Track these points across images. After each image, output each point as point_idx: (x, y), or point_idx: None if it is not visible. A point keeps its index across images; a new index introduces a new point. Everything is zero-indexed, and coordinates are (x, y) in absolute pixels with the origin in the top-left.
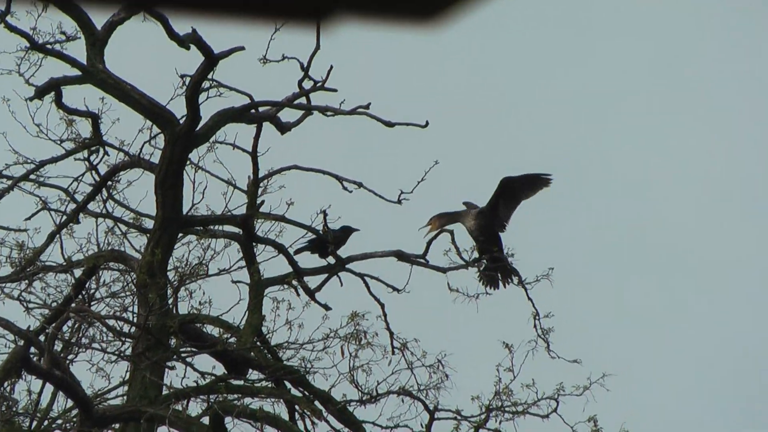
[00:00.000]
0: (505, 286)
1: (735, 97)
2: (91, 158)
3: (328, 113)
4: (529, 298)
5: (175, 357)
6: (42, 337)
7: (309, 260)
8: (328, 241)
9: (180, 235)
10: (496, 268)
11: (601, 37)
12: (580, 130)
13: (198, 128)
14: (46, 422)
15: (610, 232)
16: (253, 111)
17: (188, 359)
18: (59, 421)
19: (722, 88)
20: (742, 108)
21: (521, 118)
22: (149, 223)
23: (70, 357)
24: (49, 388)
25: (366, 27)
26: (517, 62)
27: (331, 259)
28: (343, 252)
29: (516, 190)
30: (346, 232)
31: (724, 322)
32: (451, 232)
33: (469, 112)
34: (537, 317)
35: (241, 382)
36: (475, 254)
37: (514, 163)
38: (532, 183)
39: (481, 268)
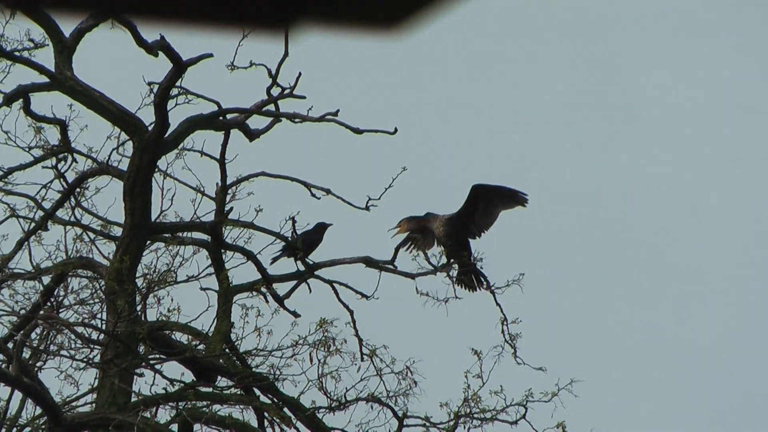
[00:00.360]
0: (475, 290)
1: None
2: (60, 165)
3: (297, 120)
4: (497, 304)
5: (143, 364)
6: (10, 344)
7: (278, 267)
8: (296, 247)
9: (148, 242)
10: (466, 272)
11: (570, 39)
12: (547, 135)
13: (166, 135)
14: (14, 430)
15: (579, 237)
16: (221, 118)
17: (157, 366)
18: (28, 429)
19: (691, 95)
20: (696, 117)
21: (489, 124)
22: (118, 230)
23: (38, 364)
24: (18, 395)
25: (330, 34)
26: (484, 68)
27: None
28: (319, 251)
29: (492, 199)
30: (321, 230)
31: (692, 326)
32: (419, 238)
33: (438, 119)
34: (505, 323)
35: (210, 389)
36: (443, 259)
37: (483, 169)
38: (510, 197)
39: (452, 274)
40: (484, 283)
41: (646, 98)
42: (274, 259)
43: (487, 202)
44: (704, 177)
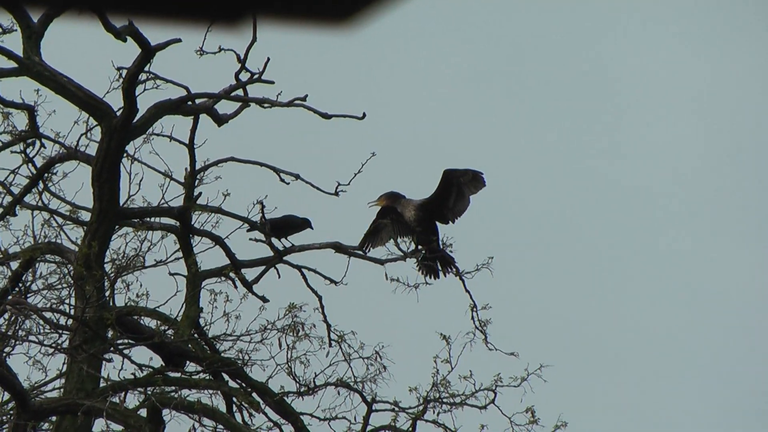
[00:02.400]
0: (445, 275)
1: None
2: (28, 150)
3: (265, 105)
4: (467, 290)
5: (112, 349)
6: None
7: (247, 251)
8: (265, 232)
9: (117, 227)
10: (434, 258)
11: (543, 25)
12: (516, 118)
13: (135, 120)
14: None
15: (545, 222)
16: (189, 103)
17: (125, 351)
18: None
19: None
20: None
21: (459, 108)
22: (86, 215)
23: (6, 350)
24: None
25: (287, 28)
26: (454, 51)
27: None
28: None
29: (461, 184)
30: (304, 224)
31: (663, 310)
32: (390, 223)
33: (406, 103)
34: (474, 309)
35: (179, 375)
36: (413, 246)
37: (451, 154)
38: (474, 180)
39: (419, 259)
40: (453, 269)
41: (622, 84)
42: (250, 229)
43: (458, 187)
44: (677, 161)
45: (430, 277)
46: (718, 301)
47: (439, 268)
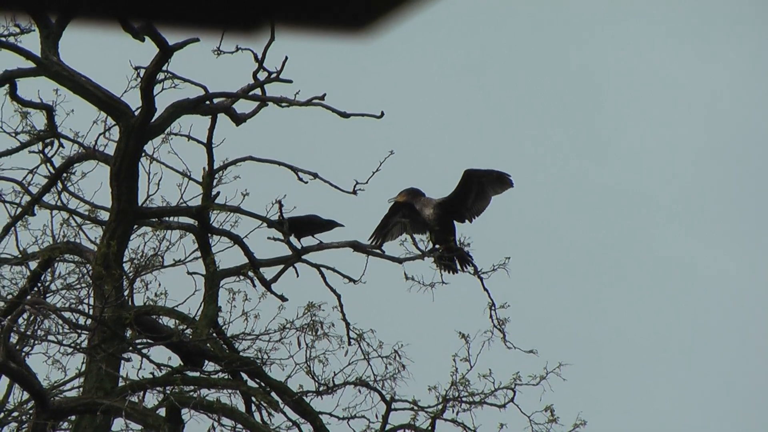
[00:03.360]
0: (463, 270)
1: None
2: (46, 150)
3: (283, 104)
4: (485, 289)
5: (130, 349)
6: None
7: (265, 251)
8: (282, 231)
9: (135, 226)
10: (451, 257)
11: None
12: (535, 119)
13: (153, 120)
14: (1, 414)
15: (566, 221)
16: (207, 103)
17: (144, 351)
18: (15, 414)
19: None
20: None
21: (478, 108)
22: (104, 215)
23: (25, 349)
24: (5, 380)
25: (302, 37)
26: (473, 52)
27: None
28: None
29: (483, 184)
30: (331, 224)
31: (682, 310)
32: (407, 222)
33: (424, 103)
34: (493, 308)
35: (197, 374)
36: (430, 244)
37: (471, 153)
38: (499, 181)
39: (437, 256)
40: (471, 267)
41: (610, 84)
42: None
43: (480, 187)
44: (694, 158)
45: (448, 272)
46: (737, 301)
47: (457, 264)
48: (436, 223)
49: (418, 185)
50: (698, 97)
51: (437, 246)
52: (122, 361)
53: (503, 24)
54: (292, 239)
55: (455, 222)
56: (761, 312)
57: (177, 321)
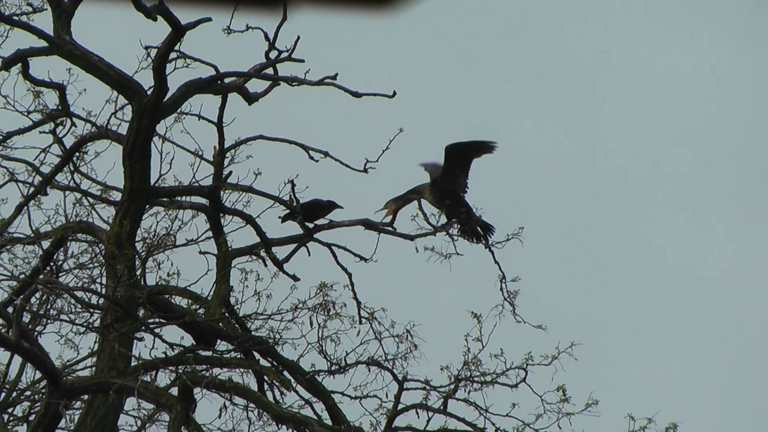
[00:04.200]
0: (484, 240)
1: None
2: (58, 130)
3: (295, 84)
4: (496, 261)
5: (143, 328)
6: (10, 309)
7: (277, 230)
8: (295, 211)
9: (147, 206)
10: (469, 228)
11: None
12: (544, 96)
13: (165, 99)
14: (14, 393)
15: (579, 194)
16: (219, 82)
17: (156, 330)
18: (27, 393)
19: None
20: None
21: (487, 86)
22: (117, 195)
23: (38, 328)
24: (18, 359)
25: (326, 10)
26: (483, 30)
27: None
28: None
29: (463, 153)
30: (330, 207)
31: (696, 290)
32: (418, 199)
33: (436, 80)
34: (504, 280)
35: (210, 353)
36: (443, 219)
37: (477, 130)
38: (478, 148)
39: (452, 232)
40: (486, 237)
41: (636, 63)
42: (284, 219)
43: (463, 157)
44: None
45: (473, 241)
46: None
47: (473, 234)
48: (440, 202)
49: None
50: (687, 83)
51: (451, 220)
52: (135, 341)
53: (501, 12)
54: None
55: (461, 194)
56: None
57: (189, 300)
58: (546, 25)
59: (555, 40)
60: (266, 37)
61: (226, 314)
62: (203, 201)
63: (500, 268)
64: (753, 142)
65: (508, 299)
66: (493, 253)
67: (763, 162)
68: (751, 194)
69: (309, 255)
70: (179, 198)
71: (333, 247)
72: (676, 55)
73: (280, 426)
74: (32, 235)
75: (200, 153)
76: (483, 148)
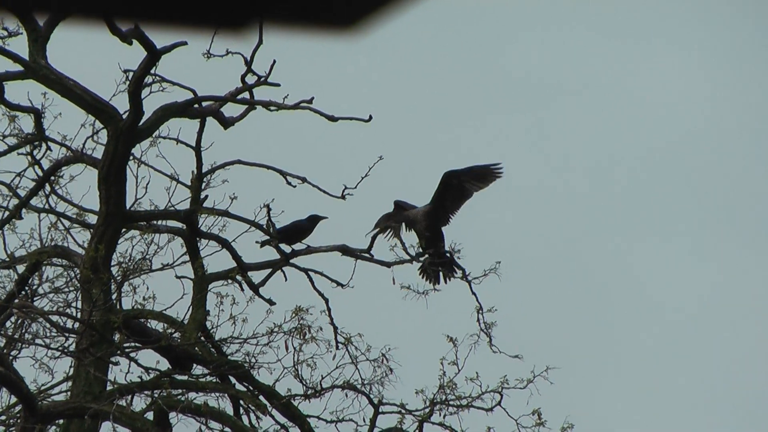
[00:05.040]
0: (446, 282)
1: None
2: (34, 153)
3: (272, 108)
4: (473, 293)
5: (119, 352)
6: None
7: (253, 255)
8: (271, 235)
9: (123, 230)
10: (440, 264)
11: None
12: (523, 121)
13: (141, 123)
14: None
15: (554, 227)
16: (196, 106)
17: (132, 354)
18: (2, 417)
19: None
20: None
21: (465, 111)
22: (92, 219)
23: (13, 353)
24: None
25: (291, 34)
26: (459, 55)
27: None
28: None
29: (463, 183)
30: (313, 221)
31: (667, 314)
32: (397, 227)
33: (413, 106)
34: (480, 311)
35: (186, 377)
36: (420, 249)
37: (460, 157)
38: (482, 175)
39: (426, 263)
40: (460, 272)
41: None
42: (262, 244)
43: (461, 186)
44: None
45: (431, 283)
46: (730, 303)
47: (442, 273)
48: (426, 231)
49: (405, 191)
50: (643, 94)
51: (429, 251)
52: (110, 365)
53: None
54: (282, 244)
55: (443, 227)
56: (739, 312)
57: (165, 325)
58: (498, 40)
59: (523, 64)
60: (245, 62)
61: (202, 338)
62: (179, 225)
63: (477, 299)
64: (725, 159)
65: (485, 330)
66: (470, 284)
67: (726, 182)
68: (721, 217)
69: (285, 279)
70: (155, 222)
71: (310, 272)
72: (645, 76)
73: None
74: (7, 259)
75: (176, 177)
76: (487, 173)
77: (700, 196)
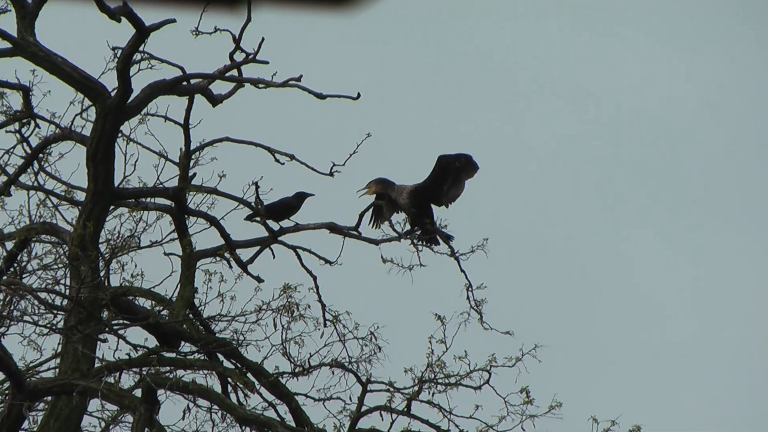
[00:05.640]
0: (447, 244)
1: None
2: (23, 131)
3: (260, 85)
4: (462, 270)
5: (107, 330)
6: None
7: (242, 232)
8: (259, 212)
9: (112, 207)
10: (430, 239)
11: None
12: (512, 102)
13: (129, 101)
14: None
15: (543, 202)
16: (184, 83)
17: (120, 332)
18: None
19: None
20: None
21: (455, 89)
22: (81, 196)
23: (1, 330)
24: None
25: (285, 10)
26: (450, 33)
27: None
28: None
29: (458, 169)
30: (300, 198)
31: (659, 290)
32: (384, 204)
33: (402, 83)
34: (470, 289)
35: (174, 355)
36: (407, 226)
37: (447, 136)
38: (468, 165)
39: (415, 240)
40: (449, 246)
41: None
42: (248, 218)
43: (455, 173)
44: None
45: (430, 246)
46: (716, 288)
47: (439, 239)
48: (411, 207)
49: (394, 168)
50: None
51: (415, 228)
52: (98, 342)
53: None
54: (269, 221)
55: (432, 206)
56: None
57: (153, 302)
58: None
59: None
60: (233, 39)
61: (190, 316)
62: (168, 203)
63: (467, 277)
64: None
65: (475, 308)
66: (459, 261)
67: (709, 171)
68: (703, 202)
69: (274, 257)
70: (144, 199)
71: (298, 250)
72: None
73: (243, 428)
74: None
75: (165, 154)
76: (472, 164)
77: (685, 184)
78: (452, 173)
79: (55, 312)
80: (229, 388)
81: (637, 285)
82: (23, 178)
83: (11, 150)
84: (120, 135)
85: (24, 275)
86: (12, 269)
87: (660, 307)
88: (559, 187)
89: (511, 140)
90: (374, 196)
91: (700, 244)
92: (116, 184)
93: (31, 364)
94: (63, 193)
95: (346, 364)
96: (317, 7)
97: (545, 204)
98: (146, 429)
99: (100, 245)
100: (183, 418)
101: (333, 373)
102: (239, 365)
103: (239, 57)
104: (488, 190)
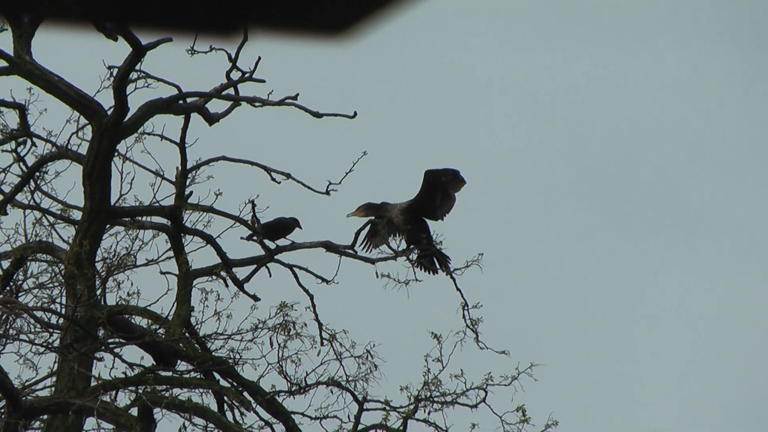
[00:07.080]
0: (442, 270)
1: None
2: (19, 149)
3: (256, 104)
4: (458, 289)
5: (103, 348)
6: None
7: (238, 251)
8: (256, 231)
9: (108, 226)
10: (428, 255)
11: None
12: (507, 122)
13: (126, 119)
14: None
15: (533, 222)
16: (181, 102)
17: (116, 350)
18: None
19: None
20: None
21: (450, 108)
22: (77, 214)
23: None
24: None
25: (278, 41)
26: (447, 54)
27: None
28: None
29: (445, 184)
30: (294, 224)
31: (653, 309)
32: (382, 225)
33: (397, 103)
34: (466, 308)
35: (170, 374)
36: (403, 244)
37: (442, 154)
38: (455, 179)
39: (412, 258)
40: (445, 267)
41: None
42: (248, 238)
43: (443, 187)
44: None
45: (429, 273)
46: (708, 306)
47: (436, 263)
48: (406, 224)
49: (390, 186)
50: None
51: (411, 245)
52: (95, 361)
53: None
54: (266, 240)
55: (427, 220)
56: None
57: (150, 320)
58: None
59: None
60: (230, 58)
61: (187, 334)
62: (164, 221)
63: (462, 296)
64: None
65: (471, 327)
66: (454, 280)
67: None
68: (695, 213)
69: (270, 276)
70: (140, 218)
71: (294, 268)
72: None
73: None
74: None
75: (161, 173)
76: (458, 178)
77: (671, 194)
78: (440, 188)
79: (51, 330)
80: (226, 407)
81: (634, 303)
82: (19, 197)
83: (7, 168)
84: (116, 153)
85: (20, 294)
86: (8, 288)
87: (656, 324)
88: (555, 206)
89: (503, 154)
90: (364, 218)
91: (693, 261)
92: (112, 203)
93: (27, 383)
94: (59, 212)
95: (343, 382)
96: (312, 38)
97: (540, 222)
98: None
99: (96, 264)
100: None
101: (330, 391)
102: (235, 384)
103: (236, 76)
104: (482, 205)
